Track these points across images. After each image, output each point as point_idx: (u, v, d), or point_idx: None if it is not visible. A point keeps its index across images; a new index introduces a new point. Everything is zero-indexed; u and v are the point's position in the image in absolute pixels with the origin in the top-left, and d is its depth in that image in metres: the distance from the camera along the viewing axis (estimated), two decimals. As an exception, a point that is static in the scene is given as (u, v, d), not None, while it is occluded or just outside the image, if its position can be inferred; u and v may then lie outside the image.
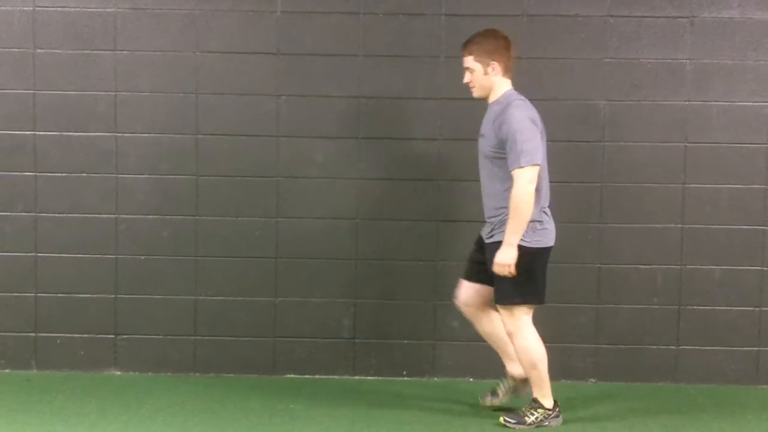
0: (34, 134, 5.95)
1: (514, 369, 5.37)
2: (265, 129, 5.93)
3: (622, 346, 6.04)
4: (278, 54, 5.89)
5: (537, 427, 5.14)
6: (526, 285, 5.09)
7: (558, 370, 6.02)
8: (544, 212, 5.16)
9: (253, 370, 6.03)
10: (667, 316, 6.01)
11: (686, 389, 5.94)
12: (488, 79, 5.17)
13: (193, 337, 6.04)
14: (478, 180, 5.92)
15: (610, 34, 5.91)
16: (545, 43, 5.93)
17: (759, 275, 5.97)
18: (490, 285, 5.18)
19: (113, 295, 6.03)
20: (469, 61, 5.18)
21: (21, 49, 5.92)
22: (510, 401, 5.40)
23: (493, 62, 5.14)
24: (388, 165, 5.98)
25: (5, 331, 6.05)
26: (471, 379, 6.04)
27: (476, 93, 5.24)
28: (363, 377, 6.05)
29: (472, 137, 5.92)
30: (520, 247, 5.01)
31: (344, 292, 6.02)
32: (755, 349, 6.02)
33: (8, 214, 5.99)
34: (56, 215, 5.99)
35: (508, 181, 5.04)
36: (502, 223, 5.06)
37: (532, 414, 5.15)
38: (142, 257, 6.01)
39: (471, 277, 5.33)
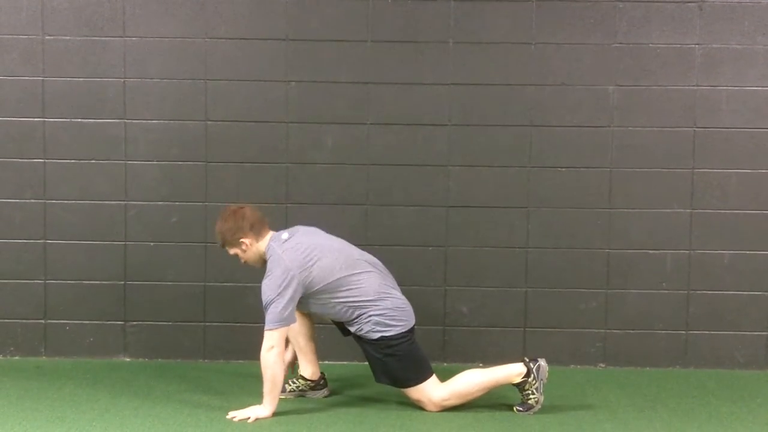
0: (43, 121, 5.95)
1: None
2: (275, 115, 5.93)
3: (632, 331, 6.04)
4: (287, 40, 5.88)
5: None
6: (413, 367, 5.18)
7: (567, 355, 6.05)
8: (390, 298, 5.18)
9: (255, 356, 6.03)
10: (677, 300, 6.01)
11: (696, 374, 5.94)
12: (252, 252, 5.20)
13: (202, 324, 6.04)
14: (487, 165, 5.97)
15: (619, 19, 5.90)
16: (554, 29, 5.92)
17: (768, 260, 5.99)
18: None
19: (122, 282, 6.04)
20: (233, 252, 5.22)
21: (30, 36, 5.91)
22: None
23: (243, 241, 5.15)
24: (397, 150, 5.98)
25: (15, 318, 6.05)
26: (481, 365, 6.02)
27: (257, 266, 5.26)
28: (372, 363, 6.06)
29: (482, 122, 5.95)
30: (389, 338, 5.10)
31: (353, 278, 6.02)
32: (765, 333, 6.02)
33: (18, 201, 5.99)
34: (65, 202, 5.99)
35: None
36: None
37: None
38: (152, 243, 6.02)
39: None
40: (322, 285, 5.04)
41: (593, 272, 6.01)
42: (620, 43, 5.92)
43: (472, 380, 5.18)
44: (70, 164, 5.97)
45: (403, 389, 5.19)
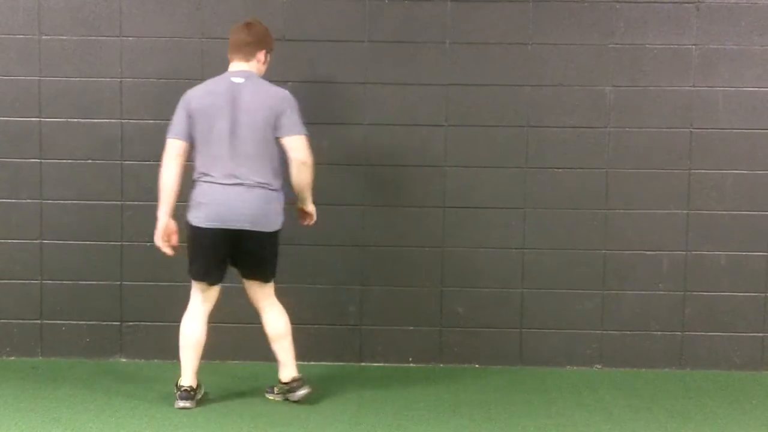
0: (40, 121, 5.95)
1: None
2: (271, 115, 5.92)
3: (628, 332, 6.05)
4: (284, 40, 5.87)
5: None
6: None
7: (563, 356, 6.05)
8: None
9: (259, 357, 6.02)
10: (673, 301, 6.01)
11: (692, 375, 5.95)
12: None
13: (198, 324, 6.04)
14: (484, 166, 5.97)
15: (615, 20, 5.90)
16: (551, 29, 5.92)
17: (764, 261, 5.98)
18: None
19: (119, 282, 6.04)
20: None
21: (26, 36, 5.91)
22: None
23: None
24: (394, 151, 5.97)
25: (11, 319, 6.05)
26: (477, 366, 6.05)
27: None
28: (369, 364, 6.06)
29: (478, 123, 5.95)
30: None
31: (350, 279, 6.02)
32: (761, 334, 6.02)
33: (14, 201, 5.99)
34: (62, 202, 5.99)
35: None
36: None
37: None
38: (148, 244, 5.95)
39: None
40: None
41: (589, 273, 6.01)
42: (617, 44, 5.92)
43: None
44: (66, 164, 5.96)
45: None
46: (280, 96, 5.16)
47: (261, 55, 5.24)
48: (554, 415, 5.12)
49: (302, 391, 5.25)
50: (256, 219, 5.07)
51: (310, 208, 5.34)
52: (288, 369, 5.29)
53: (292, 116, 5.13)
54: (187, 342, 5.23)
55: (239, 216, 5.05)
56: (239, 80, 5.12)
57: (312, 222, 5.41)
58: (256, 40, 5.22)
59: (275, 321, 5.30)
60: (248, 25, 5.25)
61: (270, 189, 5.10)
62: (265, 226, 5.11)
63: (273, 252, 5.25)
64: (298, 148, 5.11)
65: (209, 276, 5.18)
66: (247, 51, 5.21)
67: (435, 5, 5.91)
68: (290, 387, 5.27)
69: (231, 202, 5.04)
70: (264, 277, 5.24)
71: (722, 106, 5.93)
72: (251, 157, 5.05)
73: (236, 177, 5.04)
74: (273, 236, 5.19)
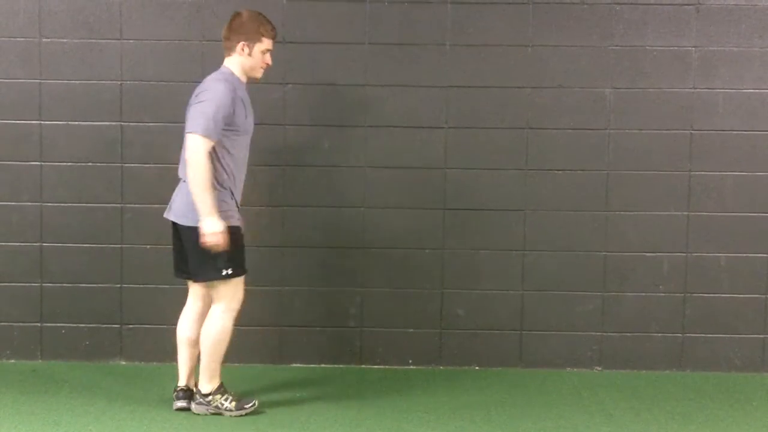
0: (40, 123, 5.95)
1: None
2: (272, 117, 5.92)
3: (628, 334, 6.04)
4: (284, 42, 5.87)
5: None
6: None
7: (563, 358, 6.05)
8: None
9: (259, 359, 6.03)
10: (673, 303, 6.01)
11: (692, 377, 5.95)
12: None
13: (199, 327, 6.04)
14: (484, 168, 5.96)
15: (615, 22, 5.91)
16: (551, 31, 5.92)
17: (765, 262, 5.98)
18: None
19: (119, 285, 6.03)
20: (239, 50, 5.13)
21: (27, 38, 5.91)
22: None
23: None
24: (394, 153, 5.97)
25: (11, 321, 6.04)
26: (477, 368, 6.04)
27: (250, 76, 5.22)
28: (369, 366, 6.05)
29: (479, 125, 5.94)
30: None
31: (350, 281, 6.02)
32: (761, 336, 6.02)
33: (14, 203, 5.98)
34: (62, 205, 5.98)
35: None
36: None
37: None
38: (148, 247, 6.01)
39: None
40: None
41: (590, 275, 6.01)
42: (617, 46, 5.92)
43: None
44: (66, 167, 5.96)
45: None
46: (200, 87, 5.04)
47: (240, 47, 5.06)
48: (554, 417, 5.12)
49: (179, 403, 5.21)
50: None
51: (202, 223, 4.86)
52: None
53: (195, 109, 4.93)
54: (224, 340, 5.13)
55: None
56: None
57: (208, 243, 4.87)
58: (229, 33, 5.09)
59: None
60: (230, 19, 5.13)
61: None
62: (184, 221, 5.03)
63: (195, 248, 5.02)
64: (187, 146, 4.90)
65: None
66: (225, 46, 5.12)
67: (435, 7, 5.91)
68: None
69: None
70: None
71: (722, 107, 5.93)
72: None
73: None
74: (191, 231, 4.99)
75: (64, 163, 5.96)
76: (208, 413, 5.09)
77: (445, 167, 5.97)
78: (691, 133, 5.95)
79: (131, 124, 5.95)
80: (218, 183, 4.97)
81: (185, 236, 5.05)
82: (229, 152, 5.02)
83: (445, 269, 6.01)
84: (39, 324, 6.05)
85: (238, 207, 5.12)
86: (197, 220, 4.89)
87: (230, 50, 5.11)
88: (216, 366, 5.09)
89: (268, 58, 5.16)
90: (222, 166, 4.99)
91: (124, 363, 6.07)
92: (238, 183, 5.13)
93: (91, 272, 6.03)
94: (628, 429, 4.95)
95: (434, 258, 6.01)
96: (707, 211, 5.97)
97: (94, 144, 5.96)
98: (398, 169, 5.97)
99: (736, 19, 5.90)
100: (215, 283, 5.04)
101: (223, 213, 4.91)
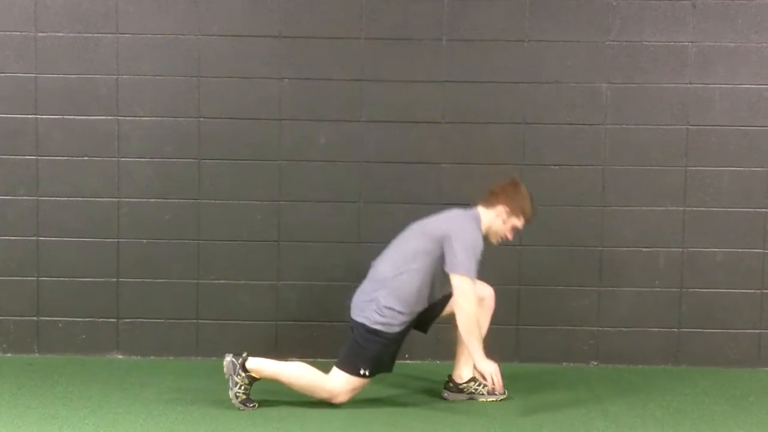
0: (36, 118, 5.94)
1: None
2: (268, 112, 5.92)
3: (624, 329, 6.05)
4: (280, 37, 5.87)
5: None
6: None
7: (559, 353, 6.06)
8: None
9: (255, 354, 5.97)
10: (669, 298, 6.02)
11: (688, 372, 5.95)
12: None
13: (195, 321, 6.04)
14: (480, 163, 5.95)
15: (612, 17, 5.91)
16: (547, 26, 5.92)
17: (761, 258, 5.99)
18: None
19: (115, 279, 6.03)
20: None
21: (23, 33, 5.90)
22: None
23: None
24: (390, 148, 5.97)
25: (7, 315, 6.05)
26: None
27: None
28: (365, 360, 6.05)
29: (475, 120, 5.94)
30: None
31: (346, 276, 6.00)
32: (757, 331, 6.03)
33: (10, 198, 5.98)
34: (58, 199, 5.98)
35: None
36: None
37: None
38: (144, 241, 6.01)
39: None
40: None
41: (586, 270, 6.02)
42: (614, 41, 5.93)
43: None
44: (62, 161, 5.96)
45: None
46: (449, 220, 5.26)
47: (501, 210, 5.21)
48: (550, 412, 5.12)
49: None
50: None
51: (479, 365, 5.09)
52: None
53: (460, 248, 5.09)
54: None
55: None
56: None
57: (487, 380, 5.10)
58: (500, 191, 5.25)
59: None
60: (509, 182, 5.30)
61: None
62: None
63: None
64: (459, 288, 5.09)
65: None
66: (488, 197, 5.26)
67: (431, 2, 5.90)
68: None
69: None
70: None
71: (719, 103, 5.93)
72: None
73: None
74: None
75: (60, 157, 5.96)
76: None
77: (441, 162, 5.97)
78: (687, 129, 5.95)
79: (127, 118, 5.94)
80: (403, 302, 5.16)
81: (356, 329, 5.17)
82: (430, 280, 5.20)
83: (441, 264, 6.00)
84: (35, 318, 6.05)
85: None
86: (367, 318, 5.12)
87: (490, 205, 5.24)
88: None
89: (510, 234, 5.27)
90: (418, 288, 5.16)
91: (120, 357, 6.07)
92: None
93: (87, 266, 6.03)
94: (623, 424, 4.95)
95: (430, 253, 6.00)
96: (703, 207, 5.98)
97: (90, 138, 5.95)
98: (394, 164, 5.97)
99: (733, 15, 5.90)
100: (344, 373, 5.15)
101: (387, 324, 5.12)
